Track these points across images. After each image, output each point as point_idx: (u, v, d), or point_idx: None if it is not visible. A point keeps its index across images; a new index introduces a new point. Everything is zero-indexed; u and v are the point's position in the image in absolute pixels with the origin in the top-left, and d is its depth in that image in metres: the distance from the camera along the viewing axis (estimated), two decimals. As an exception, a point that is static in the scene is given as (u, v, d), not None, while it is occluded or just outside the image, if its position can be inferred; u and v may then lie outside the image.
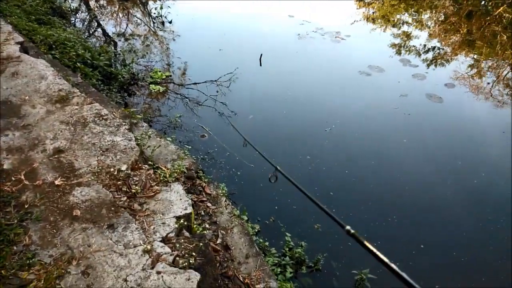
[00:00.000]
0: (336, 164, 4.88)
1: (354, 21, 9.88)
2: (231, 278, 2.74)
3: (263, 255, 3.39)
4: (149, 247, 2.13)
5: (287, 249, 3.61)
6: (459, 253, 3.87)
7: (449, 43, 9.46)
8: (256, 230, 3.81)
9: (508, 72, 8.29)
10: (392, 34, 9.34)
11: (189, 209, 2.40)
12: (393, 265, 1.34)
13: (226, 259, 2.90)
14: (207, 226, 3.07)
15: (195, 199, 3.30)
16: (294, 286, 3.17)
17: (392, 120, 5.85)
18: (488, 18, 10.82)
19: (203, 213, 3.20)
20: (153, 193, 2.52)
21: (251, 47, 7.70)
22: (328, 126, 5.57)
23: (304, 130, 5.53)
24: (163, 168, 2.86)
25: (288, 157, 4.94)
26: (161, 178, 2.65)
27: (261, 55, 7.20)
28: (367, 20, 10.44)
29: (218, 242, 2.99)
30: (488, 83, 7.35)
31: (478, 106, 6.56)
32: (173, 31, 8.26)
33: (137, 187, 2.53)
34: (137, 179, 2.65)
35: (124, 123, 3.10)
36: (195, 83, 6.33)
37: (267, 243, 3.59)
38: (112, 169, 2.65)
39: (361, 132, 5.52)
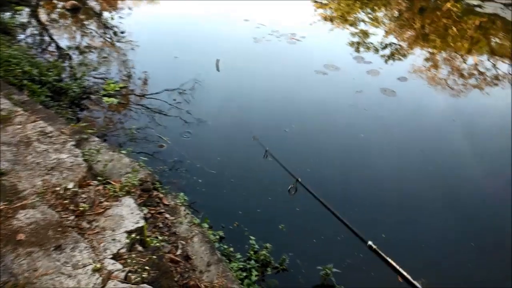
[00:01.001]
0: (295, 163, 4.91)
1: (313, 22, 10.06)
2: (193, 289, 2.69)
3: (228, 261, 3.37)
4: (99, 265, 2.06)
5: (252, 252, 3.59)
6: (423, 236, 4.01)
7: (405, 38, 9.84)
8: (219, 237, 3.77)
9: (461, 63, 8.72)
10: (350, 33, 9.58)
11: (141, 223, 2.34)
12: (416, 283, 1.35)
13: (187, 269, 2.84)
14: (166, 238, 3.01)
15: (153, 212, 3.23)
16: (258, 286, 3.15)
17: (349, 116, 5.99)
18: (439, 13, 11.36)
19: (161, 225, 3.13)
20: (102, 210, 2.44)
21: (208, 53, 7.67)
22: (287, 126, 5.62)
23: (263, 132, 5.54)
24: (113, 183, 2.78)
25: (247, 160, 4.93)
26: (111, 193, 2.58)
27: (218, 60, 7.18)
28: (325, 20, 10.67)
29: (178, 253, 2.93)
30: (444, 76, 7.70)
31: (431, 96, 6.85)
32: (131, 41, 8.08)
33: (85, 205, 2.44)
34: (86, 196, 2.56)
35: (70, 140, 2.99)
36: (153, 94, 6.22)
37: (231, 249, 3.55)
38: (58, 188, 2.55)
39: (319, 130, 5.62)
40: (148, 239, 2.45)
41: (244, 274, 3.31)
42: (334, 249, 3.83)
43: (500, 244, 4.00)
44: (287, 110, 6.09)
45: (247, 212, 4.16)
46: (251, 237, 3.68)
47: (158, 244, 2.47)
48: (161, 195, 3.38)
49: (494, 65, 8.69)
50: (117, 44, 8.06)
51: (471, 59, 8.87)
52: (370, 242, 1.55)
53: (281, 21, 9.51)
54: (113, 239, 2.24)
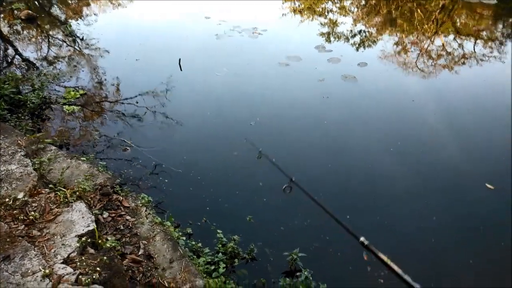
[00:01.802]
0: (262, 157, 4.95)
1: (282, 15, 10.14)
2: (156, 286, 2.70)
3: (196, 256, 3.39)
4: (48, 271, 2.04)
5: (220, 245, 3.61)
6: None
7: (372, 24, 10.02)
8: (188, 234, 3.79)
9: (428, 44, 8.95)
10: (319, 23, 9.71)
11: (92, 226, 2.33)
12: (407, 277, 1.37)
13: (149, 268, 2.85)
14: (127, 239, 3.01)
15: (113, 215, 3.21)
16: (224, 278, 3.17)
17: (312, 105, 6.07)
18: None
19: (122, 227, 3.12)
20: (53, 216, 2.42)
21: (171, 53, 7.64)
22: (252, 120, 5.66)
23: (229, 127, 5.58)
24: (63, 189, 2.75)
25: (215, 156, 4.95)
26: (62, 200, 2.55)
27: (180, 59, 7.15)
28: (294, 12, 10.76)
29: (140, 253, 2.93)
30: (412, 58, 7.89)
31: (391, 79, 7.01)
32: (99, 48, 7.96)
33: (35, 213, 2.41)
34: (36, 204, 2.53)
35: (19, 150, 2.94)
36: (108, 99, 6.16)
37: (199, 244, 3.57)
38: (7, 199, 2.51)
39: (283, 121, 5.68)
40: (100, 241, 2.44)
41: (212, 267, 3.33)
42: (301, 235, 3.89)
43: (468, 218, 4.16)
44: (252, 104, 6.13)
45: (214, 207, 4.18)
46: (219, 231, 3.70)
47: (110, 245, 2.46)
48: (121, 198, 3.36)
49: (460, 45, 8.97)
50: (85, 51, 7.94)
51: (438, 41, 9.12)
52: (362, 238, 1.57)
53: (243, 17, 9.55)
54: (64, 244, 2.22)
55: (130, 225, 3.17)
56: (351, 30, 9.37)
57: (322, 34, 9.07)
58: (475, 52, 8.51)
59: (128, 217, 3.24)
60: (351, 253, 3.63)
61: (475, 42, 9.10)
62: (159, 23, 9.50)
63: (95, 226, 2.39)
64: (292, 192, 2.65)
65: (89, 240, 2.31)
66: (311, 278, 3.24)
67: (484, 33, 9.75)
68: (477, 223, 4.00)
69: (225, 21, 9.23)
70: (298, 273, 3.33)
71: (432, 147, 5.21)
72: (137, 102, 6.01)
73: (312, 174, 4.72)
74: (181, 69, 7.12)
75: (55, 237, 2.28)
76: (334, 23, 9.92)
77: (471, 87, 6.98)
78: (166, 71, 6.93)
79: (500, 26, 10.54)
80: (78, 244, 2.21)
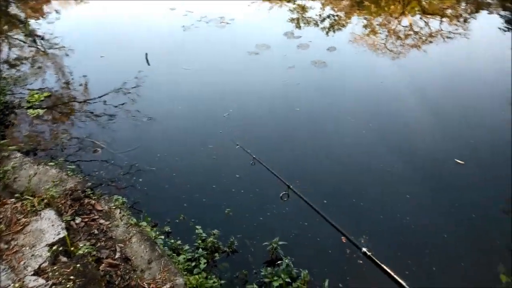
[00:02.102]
0: (238, 149, 4.91)
1: (251, 3, 10.00)
2: (135, 288, 2.66)
3: (175, 254, 3.35)
4: (18, 285, 1.97)
5: (200, 241, 3.58)
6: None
7: (340, 8, 10.03)
8: (166, 232, 3.74)
9: (396, 25, 9.04)
10: (288, 9, 9.64)
11: (63, 233, 2.26)
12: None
13: (127, 270, 2.80)
14: (102, 243, 2.94)
15: (86, 220, 3.13)
16: (206, 273, 3.16)
17: (284, 92, 6.07)
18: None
19: (96, 232, 3.05)
20: (21, 227, 2.33)
21: (137, 47, 7.45)
22: (226, 111, 5.61)
23: (202, 120, 5.51)
24: (30, 198, 2.65)
25: (190, 151, 4.89)
26: (29, 209, 2.46)
27: (146, 54, 6.99)
28: (263, 0, 10.64)
29: (116, 256, 2.87)
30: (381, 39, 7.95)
31: (361, 62, 7.08)
32: (63, 47, 7.66)
33: (1, 226, 2.32)
34: (2, 216, 2.43)
35: (-21, 160, 2.81)
36: (84, 101, 5.97)
37: (179, 242, 3.54)
38: (-31, 214, 2.39)
39: (257, 111, 5.66)
40: (73, 248, 2.38)
41: (193, 264, 3.31)
42: (280, 223, 3.90)
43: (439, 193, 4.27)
44: (223, 95, 6.06)
45: (192, 203, 4.13)
46: (197, 227, 3.67)
47: (84, 251, 2.40)
48: (93, 202, 3.28)
49: (426, 24, 9.12)
50: (48, 51, 7.63)
51: (405, 21, 9.23)
52: (364, 249, 1.55)
53: (210, 6, 9.38)
54: (34, 255, 2.15)
55: (105, 229, 3.10)
56: (320, 15, 9.37)
57: (291, 20, 9.04)
58: (441, 30, 8.68)
59: (102, 221, 3.16)
60: (330, 237, 3.68)
61: (440, 20, 9.27)
62: (122, 17, 9.23)
63: (66, 233, 2.31)
64: (285, 198, 2.64)
65: (60, 249, 2.24)
66: (292, 266, 3.27)
67: (449, 11, 9.95)
68: (449, 197, 4.12)
69: (191, 11, 9.05)
70: (279, 262, 3.35)
71: (404, 126, 5.31)
72: (105, 102, 5.85)
73: (288, 159, 4.74)
74: (148, 64, 6.96)
75: (24, 248, 2.19)
76: (302, 9, 9.89)
77: (439, 65, 7.13)
78: (133, 66, 6.76)
79: (464, 3, 10.77)
80: (49, 254, 2.14)
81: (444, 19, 9.34)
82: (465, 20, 9.39)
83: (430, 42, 8.08)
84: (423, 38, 8.29)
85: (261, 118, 5.53)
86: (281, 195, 2.59)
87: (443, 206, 4.02)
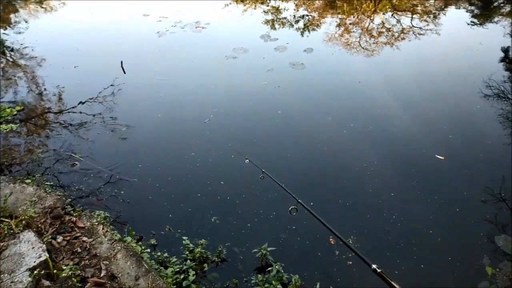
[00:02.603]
0: (220, 155, 4.86)
1: (225, 6, 9.94)
2: (124, 307, 2.57)
3: (162, 268, 3.26)
4: (-2, 315, 1.86)
5: (188, 252, 3.51)
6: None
7: (314, 8, 10.09)
8: (152, 245, 3.65)
9: (369, 24, 9.17)
10: (262, 11, 9.63)
11: (44, 256, 2.16)
12: None
13: (114, 289, 2.70)
14: (86, 262, 2.83)
15: (68, 238, 3.01)
16: (195, 285, 3.09)
17: (265, 96, 6.05)
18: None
19: (79, 250, 2.93)
20: (-2, 252, 2.21)
21: (112, 55, 7.28)
22: (206, 117, 5.54)
23: (182, 127, 5.42)
24: (6, 220, 2.52)
25: (172, 160, 4.79)
26: (6, 232, 2.33)
27: (122, 62, 6.83)
28: (236, 2, 10.59)
29: (102, 275, 2.77)
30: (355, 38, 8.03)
31: (337, 62, 7.14)
32: (35, 57, 7.39)
33: (-24, 252, 2.19)
34: (-23, 242, 2.30)
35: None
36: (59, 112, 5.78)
37: (166, 254, 3.45)
38: None
39: (238, 115, 5.61)
40: (55, 270, 2.27)
41: (182, 276, 3.23)
42: (268, 228, 3.87)
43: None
44: (203, 101, 5.99)
45: (177, 213, 4.04)
46: (184, 238, 3.59)
47: (67, 273, 2.30)
48: (74, 219, 3.16)
49: (398, 21, 9.29)
50: (19, 61, 7.36)
51: (378, 18, 9.38)
52: (374, 266, 1.51)
53: (184, 11, 9.28)
54: (13, 282, 2.04)
55: (88, 246, 2.98)
56: (294, 16, 9.42)
57: (266, 22, 9.05)
58: (412, 26, 8.87)
59: (84, 238, 3.05)
60: (319, 239, 3.68)
61: (411, 17, 9.48)
62: (95, 24, 9.01)
63: (48, 255, 2.20)
64: (294, 212, 2.60)
65: (42, 272, 2.13)
66: (282, 271, 3.24)
67: (419, 7, 10.19)
68: (433, 193, 4.18)
69: (166, 17, 8.93)
70: (269, 268, 3.32)
71: (384, 123, 5.37)
72: (80, 112, 5.68)
73: (273, 161, 4.70)
74: (124, 72, 6.81)
75: (3, 275, 2.08)
76: (277, 10, 9.92)
77: (413, 61, 7.28)
78: (109, 75, 6.60)
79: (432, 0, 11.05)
80: (30, 279, 2.03)
81: (414, 16, 9.56)
82: (435, 16, 9.64)
83: (403, 38, 8.25)
84: (396, 35, 8.44)
85: (243, 122, 5.49)
86: (290, 209, 2.56)
87: (427, 202, 4.07)
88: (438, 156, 4.63)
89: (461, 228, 3.75)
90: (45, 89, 6.44)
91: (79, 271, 2.68)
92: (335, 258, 3.51)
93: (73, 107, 5.83)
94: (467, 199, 4.06)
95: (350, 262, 3.45)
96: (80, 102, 5.92)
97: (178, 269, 3.28)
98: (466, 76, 6.57)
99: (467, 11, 9.90)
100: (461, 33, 8.61)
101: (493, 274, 3.24)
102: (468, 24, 9.08)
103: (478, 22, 9.21)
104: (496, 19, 9.39)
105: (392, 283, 1.39)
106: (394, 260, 3.46)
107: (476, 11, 9.97)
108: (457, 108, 5.69)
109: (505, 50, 7.52)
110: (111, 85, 6.30)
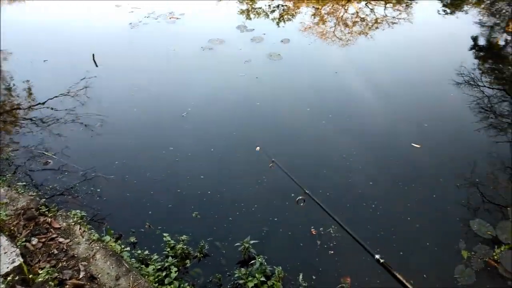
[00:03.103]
0: (199, 149, 4.80)
1: None
2: (105, 308, 2.51)
3: (143, 266, 3.21)
4: (-29, 326, 1.77)
5: (169, 249, 3.46)
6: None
7: None
8: (132, 243, 3.58)
9: (343, 13, 9.18)
10: (237, 1, 9.49)
11: (18, 261, 2.07)
12: None
13: (95, 290, 2.64)
14: (64, 264, 2.74)
15: (43, 240, 2.91)
16: (178, 282, 3.05)
17: (243, 87, 6.00)
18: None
19: (56, 252, 2.83)
20: (-32, 259, 2.10)
21: (83, 48, 7.03)
22: (184, 110, 5.44)
23: (159, 122, 5.31)
24: (-24, 225, 2.41)
25: (149, 155, 4.69)
26: (-24, 238, 2.22)
27: (93, 55, 6.61)
28: None
29: (81, 276, 2.69)
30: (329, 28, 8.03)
31: (314, 52, 7.14)
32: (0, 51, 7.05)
33: None
34: None
35: None
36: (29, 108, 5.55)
37: (146, 252, 3.39)
38: None
39: (216, 107, 5.54)
40: (31, 275, 2.18)
41: (164, 273, 3.19)
42: (250, 221, 3.86)
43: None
44: (180, 94, 5.88)
45: (157, 210, 3.98)
46: (165, 234, 3.53)
47: (44, 278, 2.21)
48: (49, 220, 3.05)
49: (372, 10, 9.36)
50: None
51: (352, 8, 9.42)
52: (377, 256, 1.51)
53: (157, 2, 9.03)
54: (-14, 290, 1.95)
55: (65, 248, 2.89)
56: (269, 6, 9.34)
57: (242, 12, 8.94)
58: (386, 15, 8.96)
59: (61, 239, 2.95)
60: (300, 230, 3.70)
61: (385, 6, 9.58)
62: (64, 17, 8.65)
63: (22, 260, 2.11)
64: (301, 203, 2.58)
65: (17, 278, 2.04)
66: (265, 264, 3.25)
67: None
68: (411, 181, 4.26)
69: (138, 7, 8.68)
70: (252, 261, 3.31)
71: (361, 114, 5.42)
72: (52, 108, 5.47)
73: (252, 153, 4.69)
74: (96, 65, 6.59)
75: (-26, 283, 1.98)
76: (252, 0, 9.81)
77: (387, 50, 7.36)
78: (80, 69, 6.38)
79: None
80: (3, 286, 1.94)
81: (388, 5, 9.66)
82: (407, 5, 9.77)
83: (377, 28, 8.32)
84: (370, 24, 8.51)
85: (221, 114, 5.42)
86: (297, 199, 2.56)
87: (405, 190, 4.15)
88: (414, 145, 4.73)
89: (438, 214, 3.86)
90: (13, 84, 6.16)
91: (56, 274, 2.59)
92: (316, 248, 3.54)
93: (43, 102, 5.61)
94: (443, 186, 4.16)
95: (332, 252, 3.49)
96: (52, 98, 5.70)
97: (159, 267, 3.23)
98: (438, 64, 6.70)
99: (438, 0, 10.08)
100: (433, 22, 8.78)
101: (469, 258, 3.35)
102: (440, 13, 9.26)
103: (448, 11, 9.40)
104: (465, 8, 9.61)
105: (395, 273, 1.43)
106: (374, 249, 3.52)
107: (446, 0, 10.17)
108: (431, 96, 5.80)
109: (474, 39, 7.71)
110: (83, 79, 6.09)
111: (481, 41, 7.58)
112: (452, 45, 7.49)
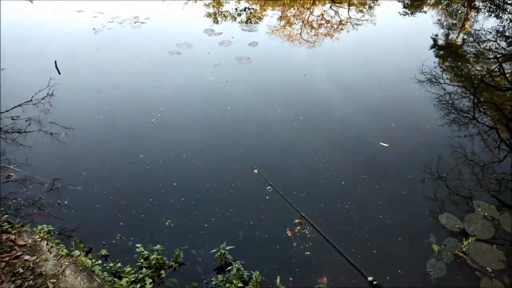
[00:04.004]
0: (170, 155, 4.71)
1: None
2: (77, 327, 2.40)
3: (116, 279, 3.10)
4: None
5: (142, 260, 3.36)
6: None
7: (255, 1, 10.04)
8: (103, 255, 3.46)
9: (309, 16, 9.30)
10: (203, 4, 9.40)
11: (-20, 284, 1.93)
12: None
13: (65, 308, 2.52)
14: (31, 283, 2.60)
15: (7, 258, 2.75)
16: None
17: (213, 92, 5.94)
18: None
19: (22, 270, 2.68)
20: None
21: (44, 56, 6.74)
22: (153, 116, 5.33)
23: (127, 130, 5.16)
24: None
25: (118, 165, 4.55)
26: None
27: (56, 62, 6.35)
28: None
29: (50, 294, 2.56)
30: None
31: (283, 55, 7.19)
32: None
33: None
34: None
35: None
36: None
37: (119, 264, 3.29)
38: None
39: (186, 113, 5.46)
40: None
41: (138, 285, 3.10)
42: (225, 227, 3.81)
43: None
44: (148, 101, 5.75)
45: (129, 221, 3.86)
46: (138, 245, 3.44)
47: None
48: (13, 237, 2.88)
49: (336, 12, 9.55)
50: None
51: (317, 10, 9.57)
52: (370, 278, 1.50)
53: (121, 6, 8.82)
54: None
55: (32, 265, 2.74)
56: (236, 9, 9.34)
57: (208, 15, 8.89)
58: (350, 17, 9.18)
59: (27, 257, 2.80)
60: (277, 233, 3.70)
61: (348, 9, 9.81)
62: (24, 22, 8.27)
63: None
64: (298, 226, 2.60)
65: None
66: (242, 269, 3.22)
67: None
68: (382, 179, 4.36)
69: (101, 12, 8.44)
70: (229, 267, 3.28)
71: (331, 115, 5.51)
72: (13, 118, 5.21)
73: (225, 158, 4.65)
74: (59, 73, 6.34)
75: None
76: (218, 3, 9.78)
77: (352, 51, 7.53)
78: (42, 77, 6.10)
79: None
80: (-36, 313, 1.81)
81: (351, 7, 9.91)
82: (370, 7, 10.06)
83: (341, 29, 8.51)
84: (335, 26, 8.69)
85: (192, 119, 5.35)
86: (294, 222, 2.57)
87: (376, 188, 4.24)
88: (382, 144, 4.85)
89: (409, 210, 3.97)
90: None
91: (23, 294, 2.46)
92: (292, 249, 3.55)
93: (4, 112, 5.32)
94: (412, 182, 4.30)
95: (308, 253, 3.51)
96: (13, 107, 5.42)
97: (133, 279, 3.14)
98: (402, 63, 6.94)
99: (398, 1, 10.44)
100: (395, 23, 9.08)
101: (439, 251, 3.47)
102: (400, 14, 9.59)
103: (409, 12, 9.76)
104: (425, 8, 10.01)
105: None
106: (348, 248, 3.57)
107: (406, 1, 10.55)
108: (396, 95, 5.99)
109: (434, 38, 8.04)
110: (46, 87, 5.84)
111: (441, 41, 7.91)
112: (413, 44, 7.77)
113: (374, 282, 1.58)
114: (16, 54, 6.88)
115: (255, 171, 3.95)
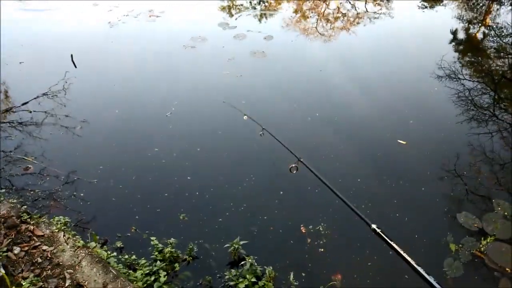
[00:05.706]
0: (185, 149, 4.72)
1: None
2: (93, 317, 2.44)
3: (131, 271, 3.13)
4: None
5: (157, 253, 3.39)
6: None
7: None
8: (119, 247, 3.50)
9: (325, 9, 9.19)
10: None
11: None
12: (416, 266, 1.41)
13: (82, 299, 2.56)
14: (49, 273, 2.65)
15: (26, 248, 2.81)
16: (168, 286, 3.00)
17: (227, 86, 5.93)
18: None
19: (40, 260, 2.74)
20: None
21: (61, 49, 6.82)
22: (168, 110, 5.35)
23: (143, 123, 5.19)
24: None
25: (134, 158, 4.58)
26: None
27: (72, 55, 6.42)
28: None
29: (67, 284, 2.61)
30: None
31: (298, 49, 7.12)
32: None
33: None
34: None
35: None
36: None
37: (134, 257, 3.32)
38: None
39: (200, 107, 5.47)
40: (14, 287, 2.09)
41: (153, 278, 3.12)
42: (239, 222, 3.81)
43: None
44: (163, 94, 5.77)
45: (144, 214, 3.88)
46: (152, 238, 3.46)
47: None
48: (32, 227, 2.94)
49: (353, 5, 9.40)
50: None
51: (333, 3, 9.44)
52: (374, 226, 1.50)
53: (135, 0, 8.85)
54: (-33, 306, 1.86)
55: (49, 256, 2.80)
56: (251, 2, 9.27)
57: (223, 8, 8.85)
58: (367, 11, 9.02)
59: (45, 247, 2.85)
60: (290, 229, 3.68)
61: (365, 1, 9.64)
62: (40, 17, 8.37)
63: (4, 271, 2.03)
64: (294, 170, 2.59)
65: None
66: (256, 264, 3.22)
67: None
68: (399, 177, 4.28)
69: (117, 6, 8.49)
70: (242, 262, 3.28)
71: (348, 112, 5.42)
72: (30, 111, 5.30)
73: (239, 153, 4.64)
74: (75, 66, 6.41)
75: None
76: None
77: (369, 46, 7.40)
78: (59, 70, 6.19)
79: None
80: (-15, 301, 1.86)
81: (368, 0, 9.73)
82: (387, 0, 9.87)
83: (358, 23, 8.37)
84: (351, 19, 8.55)
85: (206, 113, 5.35)
86: (290, 167, 2.55)
87: (393, 187, 4.16)
88: (400, 141, 4.75)
89: (426, 208, 3.89)
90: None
91: (41, 283, 2.51)
92: (306, 246, 3.53)
93: (21, 105, 5.42)
94: (430, 180, 4.20)
95: (321, 249, 3.48)
96: (30, 100, 5.51)
97: (148, 271, 3.16)
98: (420, 58, 6.79)
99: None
100: (413, 16, 8.89)
101: (457, 250, 3.40)
102: (419, 7, 9.38)
103: (427, 5, 9.54)
104: (444, 1, 9.76)
105: (391, 243, 1.47)
106: (363, 246, 3.53)
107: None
108: (415, 91, 5.87)
109: (454, 32, 7.85)
110: (62, 80, 5.92)
111: (461, 35, 7.72)
112: (432, 39, 7.60)
113: (377, 230, 1.58)
114: (33, 48, 6.98)
115: (245, 117, 3.94)
